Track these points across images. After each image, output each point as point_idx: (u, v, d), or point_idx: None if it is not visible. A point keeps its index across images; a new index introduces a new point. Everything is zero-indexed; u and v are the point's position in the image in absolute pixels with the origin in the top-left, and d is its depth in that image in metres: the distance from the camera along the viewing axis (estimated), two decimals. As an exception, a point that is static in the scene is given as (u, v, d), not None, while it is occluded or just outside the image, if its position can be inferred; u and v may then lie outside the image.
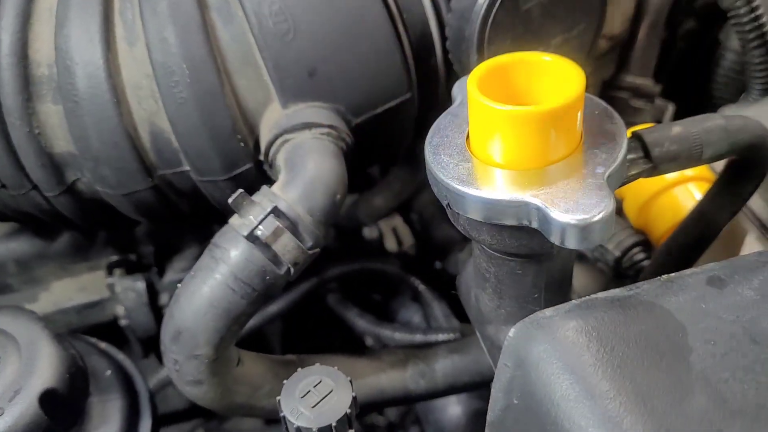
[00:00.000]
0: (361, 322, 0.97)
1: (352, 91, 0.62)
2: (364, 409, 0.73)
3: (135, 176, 0.64)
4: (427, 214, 1.06)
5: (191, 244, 0.93)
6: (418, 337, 0.90)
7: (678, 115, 0.81)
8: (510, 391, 0.42)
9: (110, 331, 0.90)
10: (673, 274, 0.44)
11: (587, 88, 0.44)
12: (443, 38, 0.65)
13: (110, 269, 0.88)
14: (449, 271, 1.01)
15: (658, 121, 0.81)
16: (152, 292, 0.89)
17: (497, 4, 0.58)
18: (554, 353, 0.40)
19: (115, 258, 0.87)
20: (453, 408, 0.90)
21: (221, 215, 0.79)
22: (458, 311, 0.98)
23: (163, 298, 0.90)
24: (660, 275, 0.61)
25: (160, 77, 0.59)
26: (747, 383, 0.37)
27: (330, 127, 0.61)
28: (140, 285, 0.87)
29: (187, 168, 0.64)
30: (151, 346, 0.93)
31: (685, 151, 0.50)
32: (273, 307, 0.94)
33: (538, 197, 0.42)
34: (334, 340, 1.13)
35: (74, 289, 0.90)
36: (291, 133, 0.60)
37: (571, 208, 0.41)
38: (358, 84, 0.62)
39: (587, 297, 0.43)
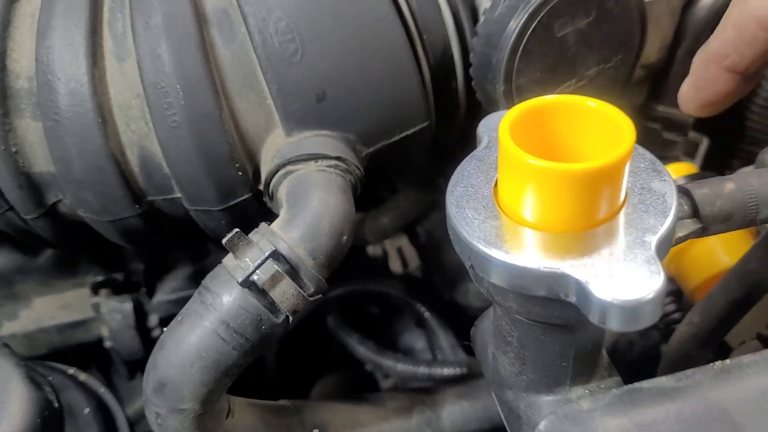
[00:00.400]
0: (361, 349, 0.92)
1: (363, 118, 0.56)
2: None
3: (121, 202, 0.58)
4: (435, 237, 1.00)
5: (184, 262, 0.88)
6: (422, 370, 0.84)
7: (711, 150, 0.75)
8: (538, 494, 0.36)
9: (94, 351, 0.85)
10: (728, 362, 0.38)
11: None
12: (465, 63, 0.59)
13: (96, 289, 0.82)
14: (458, 300, 0.96)
15: (690, 155, 0.75)
16: (140, 314, 0.83)
17: (530, 31, 0.52)
18: (593, 458, 0.34)
19: (100, 278, 0.82)
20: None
21: (208, 239, 0.73)
22: (464, 338, 0.93)
23: (152, 320, 0.85)
24: (695, 336, 0.56)
25: (151, 97, 0.53)
26: None
27: (338, 159, 0.55)
28: (127, 306, 0.82)
29: (179, 195, 0.58)
30: (137, 367, 0.88)
31: (740, 211, 0.44)
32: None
33: (577, 269, 0.36)
34: (332, 362, 1.07)
35: (57, 306, 0.85)
36: (295, 164, 0.54)
37: (617, 284, 0.35)
38: (370, 111, 0.56)
39: (631, 386, 0.37)
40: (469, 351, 0.88)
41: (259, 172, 0.57)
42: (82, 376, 0.70)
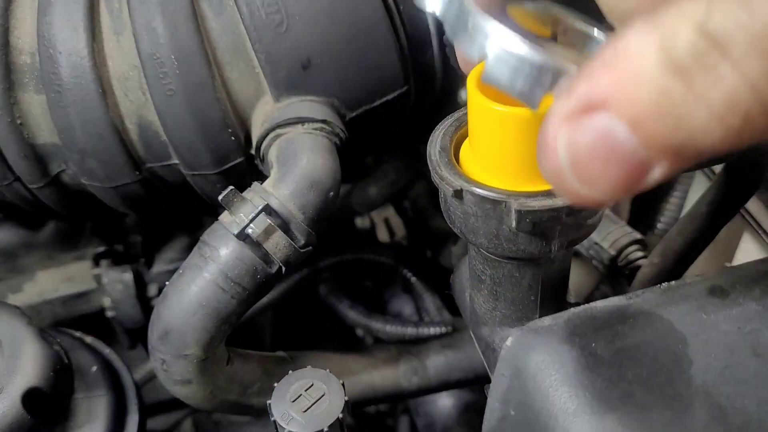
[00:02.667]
0: (352, 314, 0.96)
1: (346, 84, 0.61)
2: (356, 406, 0.73)
3: (122, 169, 0.62)
4: (420, 205, 1.05)
5: (180, 234, 0.92)
6: (410, 331, 0.89)
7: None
8: (507, 401, 0.41)
9: (96, 322, 0.89)
10: (673, 283, 0.43)
11: None
12: (439, 32, 0.64)
13: (97, 260, 0.86)
14: (442, 263, 1.00)
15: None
16: (140, 284, 0.87)
17: (496, -2, 0.56)
18: (553, 364, 0.39)
19: (101, 249, 0.86)
20: (444, 400, 0.89)
21: (212, 207, 0.78)
22: (450, 304, 0.98)
23: (151, 290, 0.89)
24: (656, 276, 0.61)
25: (148, 68, 0.57)
26: (748, 398, 0.36)
27: (323, 122, 0.59)
28: (128, 276, 0.86)
29: (176, 161, 0.62)
30: (138, 337, 0.92)
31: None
32: (264, 298, 0.93)
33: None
34: (325, 331, 1.12)
35: (60, 279, 0.89)
36: (283, 128, 0.59)
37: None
38: (353, 77, 0.61)
39: (586, 305, 0.42)
40: (451, 302, 0.93)
41: (251, 136, 0.62)
42: (89, 339, 0.74)
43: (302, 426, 0.48)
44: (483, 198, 0.43)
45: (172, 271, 0.89)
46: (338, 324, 1.02)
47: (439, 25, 0.64)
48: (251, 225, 0.54)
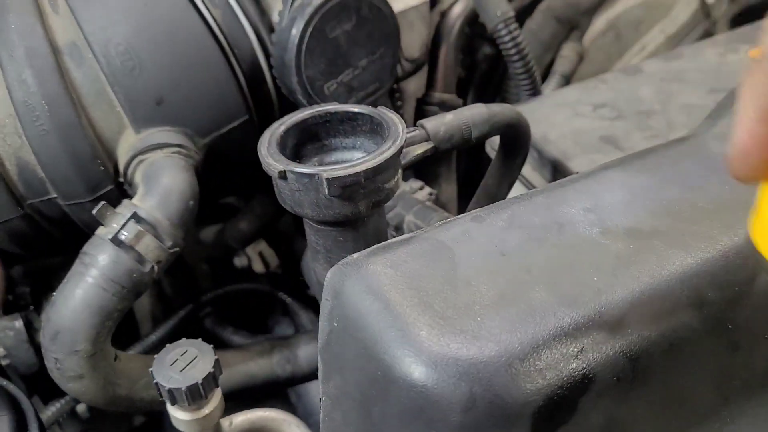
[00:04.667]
0: (236, 338, 1.06)
1: (195, 115, 0.73)
2: (238, 396, 0.82)
3: (5, 206, 0.71)
4: (288, 234, 1.17)
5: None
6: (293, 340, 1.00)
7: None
8: (331, 318, 0.53)
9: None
10: (449, 219, 0.57)
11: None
12: (270, 66, 0.78)
13: (-15, 310, 0.92)
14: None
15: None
16: (31, 330, 0.93)
17: (308, 35, 0.71)
18: (359, 282, 0.51)
19: (-10, 298, 0.92)
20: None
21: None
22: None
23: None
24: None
25: (22, 114, 0.68)
26: (494, 282, 0.50)
27: (179, 146, 0.71)
28: (18, 324, 0.92)
29: (55, 195, 0.72)
30: (34, 385, 0.97)
31: (458, 133, 0.64)
32: (152, 336, 1.01)
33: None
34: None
35: (-50, 334, 0.93)
36: (145, 154, 0.70)
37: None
38: (201, 109, 0.73)
39: (386, 242, 0.55)
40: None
41: (118, 166, 0.73)
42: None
43: (180, 382, 0.58)
44: (301, 174, 0.56)
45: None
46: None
47: (268, 59, 0.78)
48: (123, 231, 0.64)
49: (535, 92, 0.91)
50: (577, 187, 0.59)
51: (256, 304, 1.16)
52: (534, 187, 0.79)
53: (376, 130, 0.63)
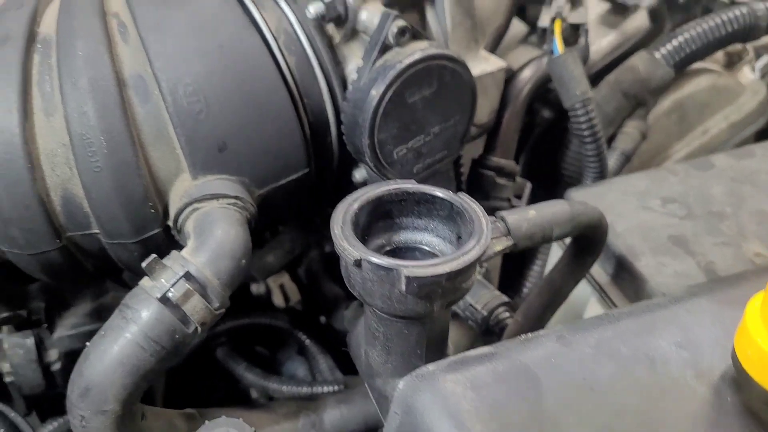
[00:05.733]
0: (249, 375, 1.02)
1: (256, 166, 0.69)
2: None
3: (44, 237, 0.67)
4: (314, 272, 1.13)
5: (82, 300, 0.95)
6: (305, 390, 0.96)
7: (534, 192, 0.94)
8: (399, 435, 0.49)
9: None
10: (529, 334, 0.53)
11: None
12: (337, 121, 0.74)
13: (-2, 325, 0.88)
14: (335, 326, 1.08)
15: (518, 196, 0.93)
16: (40, 349, 0.89)
17: (387, 98, 0.67)
18: (436, 401, 0.48)
19: (4, 314, 0.87)
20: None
21: (117, 272, 0.82)
22: (342, 364, 1.05)
23: (52, 355, 0.91)
24: (520, 332, 0.72)
25: (77, 147, 0.63)
26: (587, 425, 0.47)
27: (236, 198, 0.67)
28: (29, 342, 0.88)
29: (96, 231, 0.68)
30: (33, 403, 0.93)
31: (540, 232, 0.60)
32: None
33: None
34: (216, 393, 1.16)
35: (-43, 344, 0.89)
36: (200, 202, 0.66)
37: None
38: (262, 160, 0.69)
39: (461, 354, 0.52)
40: (343, 363, 1.00)
41: (168, 209, 0.68)
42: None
43: (219, 466, 0.54)
44: (379, 266, 0.52)
45: (74, 336, 0.93)
46: (230, 385, 1.07)
47: (337, 115, 0.74)
48: (172, 289, 0.60)
49: (602, 176, 0.88)
50: (666, 315, 0.56)
51: (272, 338, 1.12)
52: (596, 282, 0.75)
53: (453, 216, 0.59)
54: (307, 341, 1.06)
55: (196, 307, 0.61)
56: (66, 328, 0.92)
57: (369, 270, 0.53)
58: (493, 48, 0.87)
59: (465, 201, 0.58)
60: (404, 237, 0.62)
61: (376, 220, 0.60)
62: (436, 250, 0.62)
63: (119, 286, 0.94)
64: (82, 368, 0.61)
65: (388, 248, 0.62)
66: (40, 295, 0.92)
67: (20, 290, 0.91)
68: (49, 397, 0.93)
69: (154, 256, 0.61)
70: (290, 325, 1.08)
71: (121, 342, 0.60)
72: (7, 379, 0.88)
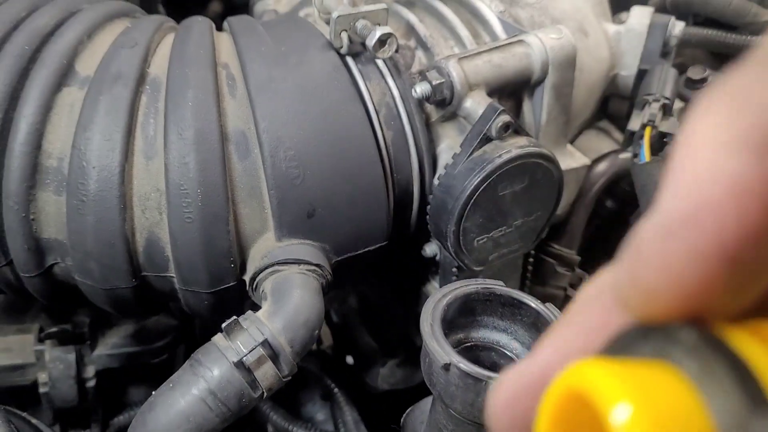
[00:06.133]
0: (274, 416, 1.01)
1: (340, 234, 0.69)
2: None
3: (120, 275, 0.67)
4: (351, 320, 1.13)
5: (125, 321, 0.95)
6: (329, 442, 0.95)
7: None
8: None
9: (24, 394, 0.89)
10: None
11: None
12: (420, 197, 0.74)
13: (44, 337, 0.87)
14: (368, 381, 1.08)
15: (573, 285, 0.93)
16: (79, 365, 0.89)
17: (480, 190, 0.67)
18: None
19: (53, 329, 0.87)
20: None
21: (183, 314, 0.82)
22: (365, 418, 1.04)
23: (89, 371, 0.91)
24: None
25: (172, 195, 0.63)
26: None
27: (317, 265, 0.67)
28: (71, 357, 0.87)
29: (173, 275, 0.68)
30: (61, 415, 0.93)
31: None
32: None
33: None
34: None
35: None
36: (282, 265, 0.66)
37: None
38: (347, 229, 0.69)
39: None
40: (371, 416, 1.00)
41: (245, 265, 0.68)
42: (34, 420, 0.75)
43: None
44: (467, 374, 0.52)
45: (114, 356, 0.93)
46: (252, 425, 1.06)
47: (421, 191, 0.74)
48: (248, 354, 0.60)
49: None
50: None
51: (297, 379, 1.12)
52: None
53: (537, 325, 0.59)
54: (336, 390, 1.06)
55: (267, 374, 0.61)
56: (107, 347, 0.92)
57: (456, 376, 0.53)
58: (574, 139, 0.88)
59: (551, 311, 0.59)
60: (483, 335, 0.63)
61: (458, 316, 0.60)
62: (513, 354, 0.62)
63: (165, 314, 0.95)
64: (147, 418, 0.61)
65: (466, 344, 0.62)
66: (85, 310, 0.92)
67: (72, 307, 0.91)
68: (76, 410, 0.93)
69: (234, 318, 0.61)
70: (319, 370, 1.08)
71: (189, 398, 0.60)
72: (42, 389, 0.88)
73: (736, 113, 0.18)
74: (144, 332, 0.94)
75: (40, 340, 0.88)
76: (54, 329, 0.87)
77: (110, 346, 0.92)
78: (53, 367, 0.87)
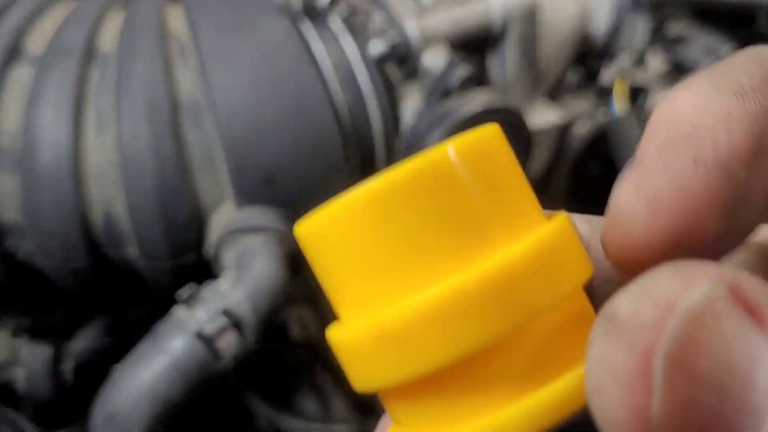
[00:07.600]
0: (261, 406, 0.99)
1: (302, 199, 0.68)
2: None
3: (79, 252, 0.65)
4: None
5: (103, 313, 0.93)
6: (317, 427, 0.93)
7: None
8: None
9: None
10: None
11: None
12: (387, 157, 0.72)
13: (18, 332, 0.86)
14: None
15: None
16: (56, 357, 0.87)
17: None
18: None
19: (25, 322, 0.86)
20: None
21: (145, 288, 0.81)
22: (357, 400, 1.02)
23: (66, 363, 0.89)
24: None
25: (128, 168, 0.62)
26: None
27: (279, 231, 0.65)
28: (46, 352, 0.86)
29: (134, 249, 0.66)
30: (42, 411, 0.91)
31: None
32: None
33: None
34: (215, 416, 1.13)
35: (-27, 347, 0.87)
36: (243, 233, 0.64)
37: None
38: (308, 193, 0.68)
39: None
40: (362, 410, 0.98)
41: (205, 235, 0.67)
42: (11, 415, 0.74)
43: None
44: None
45: (91, 350, 0.91)
46: (239, 418, 1.04)
47: (388, 150, 0.73)
48: (208, 323, 0.58)
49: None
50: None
51: (284, 368, 1.10)
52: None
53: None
54: (323, 375, 1.04)
55: (230, 343, 0.59)
56: (84, 338, 0.91)
57: None
58: (550, 96, 0.86)
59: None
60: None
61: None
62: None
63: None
64: (109, 394, 0.59)
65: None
66: (60, 302, 0.90)
67: (41, 298, 0.89)
68: (55, 406, 0.91)
69: (192, 284, 0.59)
70: (306, 358, 1.06)
71: (151, 371, 0.58)
72: (20, 386, 0.87)
73: (718, 76, 0.20)
74: (123, 324, 0.93)
75: (15, 335, 0.86)
76: (26, 322, 0.86)
77: (88, 337, 0.91)
78: (29, 362, 0.86)
